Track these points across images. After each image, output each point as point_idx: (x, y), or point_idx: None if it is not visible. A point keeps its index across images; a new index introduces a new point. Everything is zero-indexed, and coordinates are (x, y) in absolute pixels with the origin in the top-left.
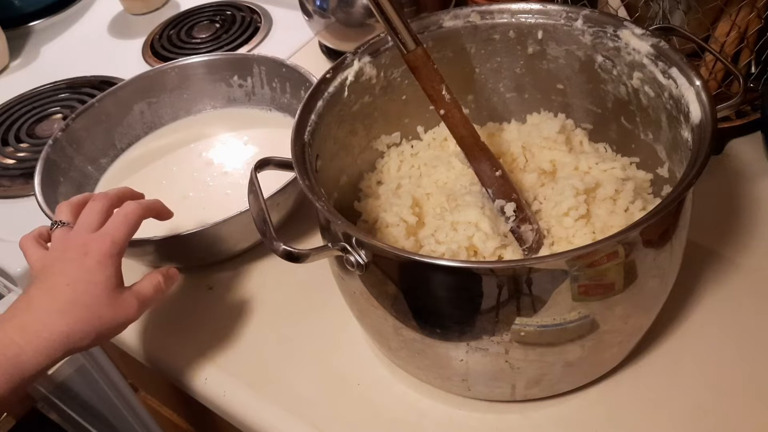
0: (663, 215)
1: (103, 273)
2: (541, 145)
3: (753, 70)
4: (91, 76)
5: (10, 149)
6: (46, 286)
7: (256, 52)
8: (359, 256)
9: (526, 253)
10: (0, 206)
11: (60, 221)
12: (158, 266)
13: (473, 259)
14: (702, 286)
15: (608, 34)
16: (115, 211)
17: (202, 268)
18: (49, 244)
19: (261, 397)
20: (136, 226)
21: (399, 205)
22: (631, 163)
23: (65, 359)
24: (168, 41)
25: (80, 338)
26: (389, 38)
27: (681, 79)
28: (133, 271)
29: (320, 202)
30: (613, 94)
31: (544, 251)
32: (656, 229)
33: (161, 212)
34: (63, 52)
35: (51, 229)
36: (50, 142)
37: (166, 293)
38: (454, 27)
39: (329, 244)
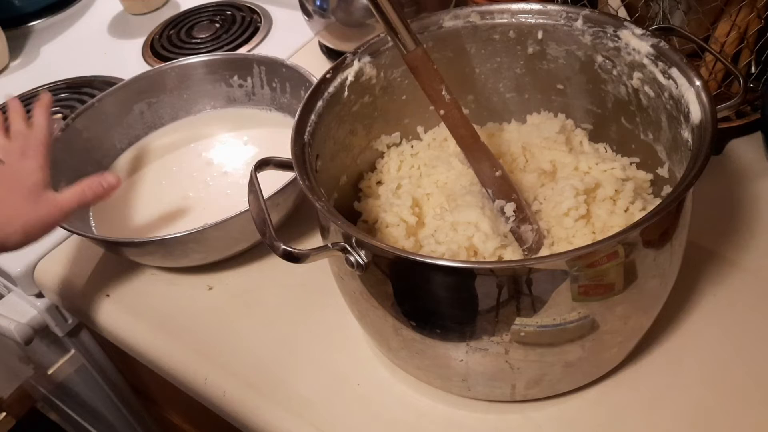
0: (663, 215)
1: (30, 180)
2: (541, 145)
3: (753, 70)
4: (91, 76)
5: None
6: None
7: (256, 52)
8: (359, 257)
9: (526, 253)
10: None
11: None
12: (159, 266)
13: (473, 259)
14: (702, 286)
15: (608, 35)
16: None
17: (202, 268)
18: None
19: (261, 397)
20: (49, 139)
21: (399, 206)
22: (631, 164)
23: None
24: (168, 41)
25: (8, 231)
26: (389, 38)
27: (681, 80)
28: (134, 271)
29: (320, 203)
30: (613, 94)
31: (544, 251)
32: (656, 229)
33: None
34: (63, 52)
35: None
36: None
37: (92, 199)
38: (454, 27)
39: (329, 245)
